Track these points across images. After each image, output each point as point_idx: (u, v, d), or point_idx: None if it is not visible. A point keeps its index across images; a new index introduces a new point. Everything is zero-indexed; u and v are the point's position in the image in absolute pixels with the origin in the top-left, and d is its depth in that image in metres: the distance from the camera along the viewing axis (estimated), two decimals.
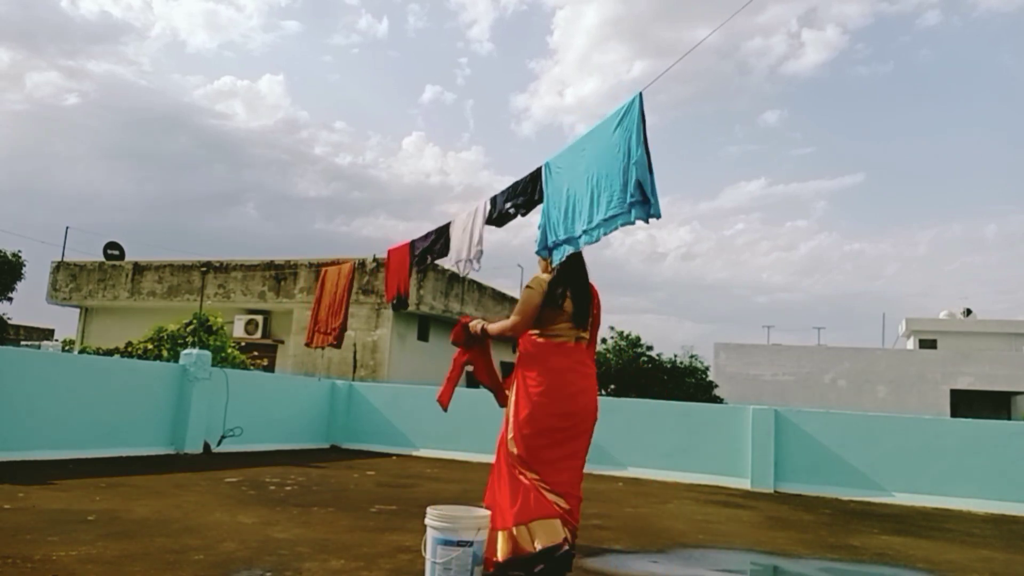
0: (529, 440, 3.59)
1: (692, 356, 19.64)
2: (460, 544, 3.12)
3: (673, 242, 74.38)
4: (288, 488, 6.39)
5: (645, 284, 71.25)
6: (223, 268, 18.73)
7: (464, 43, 70.64)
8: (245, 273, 18.53)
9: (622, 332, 20.45)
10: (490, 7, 67.06)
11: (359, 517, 5.19)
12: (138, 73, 62.12)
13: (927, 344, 31.91)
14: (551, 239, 4.24)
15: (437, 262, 5.68)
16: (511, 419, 3.72)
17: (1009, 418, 26.30)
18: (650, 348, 19.81)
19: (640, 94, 3.88)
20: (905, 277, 65.20)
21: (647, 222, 3.59)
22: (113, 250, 21.40)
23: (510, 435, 3.67)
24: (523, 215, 4.71)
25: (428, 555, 3.16)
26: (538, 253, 4.17)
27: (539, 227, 4.42)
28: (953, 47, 57.72)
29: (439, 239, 5.52)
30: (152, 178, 66.31)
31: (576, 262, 3.91)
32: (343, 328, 6.29)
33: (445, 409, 4.45)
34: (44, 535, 3.91)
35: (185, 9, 65.65)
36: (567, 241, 4.12)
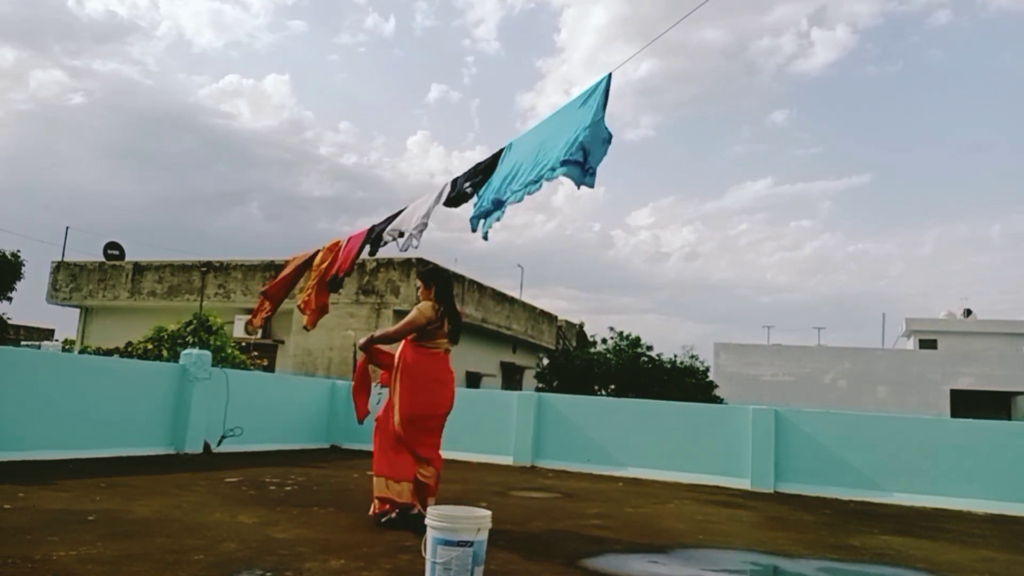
0: (409, 425, 4.81)
1: (692, 356, 19.63)
2: (460, 544, 3.12)
3: (677, 242, 74.33)
4: (288, 488, 6.39)
5: (647, 284, 71.27)
6: (223, 268, 18.73)
7: (471, 41, 70.67)
8: (245, 273, 18.53)
9: (622, 332, 20.45)
10: (497, 5, 67.10)
11: (359, 517, 5.19)
12: (144, 73, 62.22)
13: (927, 344, 31.91)
14: (481, 207, 4.28)
15: (386, 238, 5.55)
16: (396, 408, 4.85)
17: (1009, 418, 26.31)
18: (650, 348, 19.80)
19: (609, 75, 3.91)
20: (909, 277, 65.24)
21: (578, 187, 3.70)
22: (113, 250, 21.41)
23: (396, 419, 4.83)
24: (478, 194, 4.74)
25: (428, 555, 3.16)
26: (471, 220, 4.44)
27: (477, 197, 4.47)
28: (962, 47, 57.69)
29: (392, 219, 5.50)
30: (155, 178, 66.38)
31: (449, 291, 4.97)
32: (272, 311, 6.24)
33: (361, 422, 5.30)
34: (44, 535, 3.91)
35: (191, 8, 65.74)
36: (496, 206, 4.16)
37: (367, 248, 5.71)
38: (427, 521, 3.21)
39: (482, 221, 4.37)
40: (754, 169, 70.35)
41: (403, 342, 4.93)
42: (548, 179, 3.84)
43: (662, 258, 73.34)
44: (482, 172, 4.73)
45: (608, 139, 3.72)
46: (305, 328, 6.14)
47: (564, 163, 3.71)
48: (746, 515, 6.61)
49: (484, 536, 3.23)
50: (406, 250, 5.35)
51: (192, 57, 70.87)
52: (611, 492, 7.67)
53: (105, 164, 66.61)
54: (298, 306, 6.07)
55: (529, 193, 3.99)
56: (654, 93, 66.36)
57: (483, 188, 4.54)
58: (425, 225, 5.11)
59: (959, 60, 57.82)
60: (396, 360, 4.94)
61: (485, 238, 4.40)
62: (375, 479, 4.88)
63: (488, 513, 3.30)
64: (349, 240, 5.74)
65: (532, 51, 74.72)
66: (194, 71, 70.96)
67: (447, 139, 78.02)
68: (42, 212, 59.88)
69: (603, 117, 3.75)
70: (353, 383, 5.34)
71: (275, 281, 6.29)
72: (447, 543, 3.13)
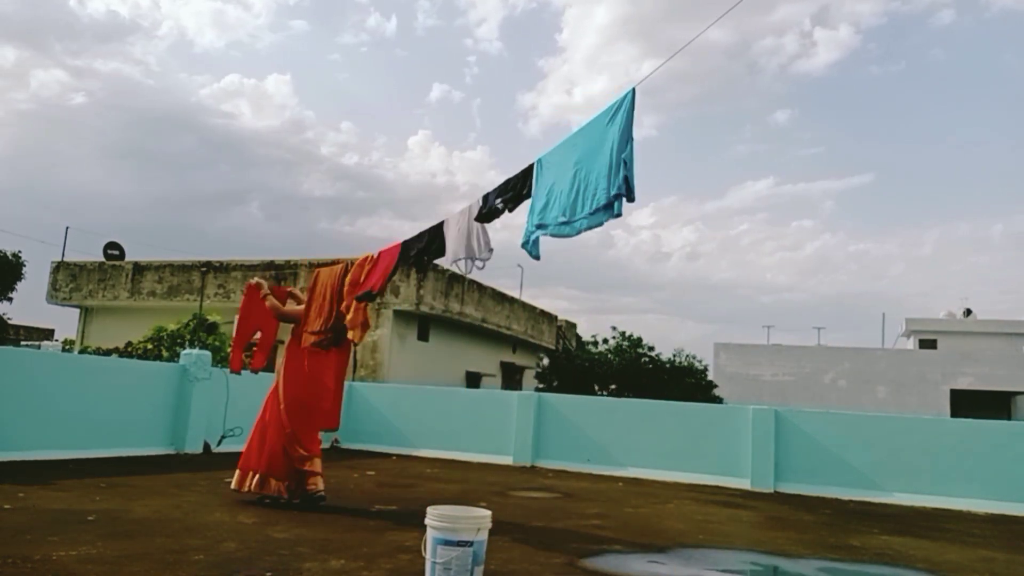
0: (295, 416, 5.52)
1: (689, 356, 19.68)
2: (460, 544, 3.12)
3: (678, 242, 74.26)
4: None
5: (649, 284, 71.18)
6: (223, 268, 18.73)
7: (473, 41, 70.56)
8: (245, 273, 18.51)
9: (623, 332, 20.46)
10: (499, 5, 67.01)
11: (359, 517, 5.20)
12: (145, 72, 62.16)
13: (927, 344, 31.90)
14: (530, 228, 4.32)
15: (436, 261, 5.58)
16: (281, 399, 5.59)
17: (1009, 418, 26.31)
18: (651, 348, 19.82)
19: (633, 90, 3.92)
20: (910, 277, 65.14)
21: (620, 215, 3.79)
22: (113, 250, 21.40)
23: (282, 406, 5.55)
24: (510, 211, 4.74)
25: (428, 555, 3.16)
26: (523, 246, 4.44)
27: (527, 221, 4.49)
28: (966, 47, 57.57)
29: (434, 239, 5.45)
30: (156, 178, 66.28)
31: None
32: (333, 328, 6.14)
33: (237, 371, 6.38)
34: (44, 535, 3.91)
35: (193, 8, 65.68)
36: (540, 227, 4.20)
37: (411, 266, 5.75)
38: (427, 521, 3.21)
39: (531, 242, 4.42)
40: (756, 169, 70.30)
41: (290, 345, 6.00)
42: (607, 220, 3.92)
43: (663, 258, 73.31)
44: (513, 189, 4.73)
45: (632, 157, 3.82)
46: (354, 343, 6.04)
47: (615, 199, 3.83)
48: (746, 515, 6.61)
49: (484, 536, 3.23)
50: (470, 272, 5.30)
51: (193, 57, 70.86)
52: (611, 492, 7.67)
53: (106, 164, 66.59)
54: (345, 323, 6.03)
55: (588, 228, 4.08)
56: (656, 93, 66.30)
57: (528, 215, 4.53)
58: (491, 251, 5.05)
59: (962, 60, 57.78)
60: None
61: (537, 258, 4.45)
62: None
63: (488, 513, 3.30)
64: (380, 255, 5.66)
65: (534, 51, 74.66)
66: (195, 71, 70.93)
67: (448, 139, 77.99)
68: (42, 212, 59.84)
69: (632, 138, 3.83)
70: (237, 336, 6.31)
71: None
72: (447, 543, 3.13)
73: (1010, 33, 55.07)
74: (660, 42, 62.58)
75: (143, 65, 62.28)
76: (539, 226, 4.33)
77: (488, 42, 70.54)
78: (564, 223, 4.14)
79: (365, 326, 5.77)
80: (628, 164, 3.80)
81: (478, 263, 5.11)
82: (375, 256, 5.71)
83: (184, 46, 68.67)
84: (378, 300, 17.12)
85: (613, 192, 3.81)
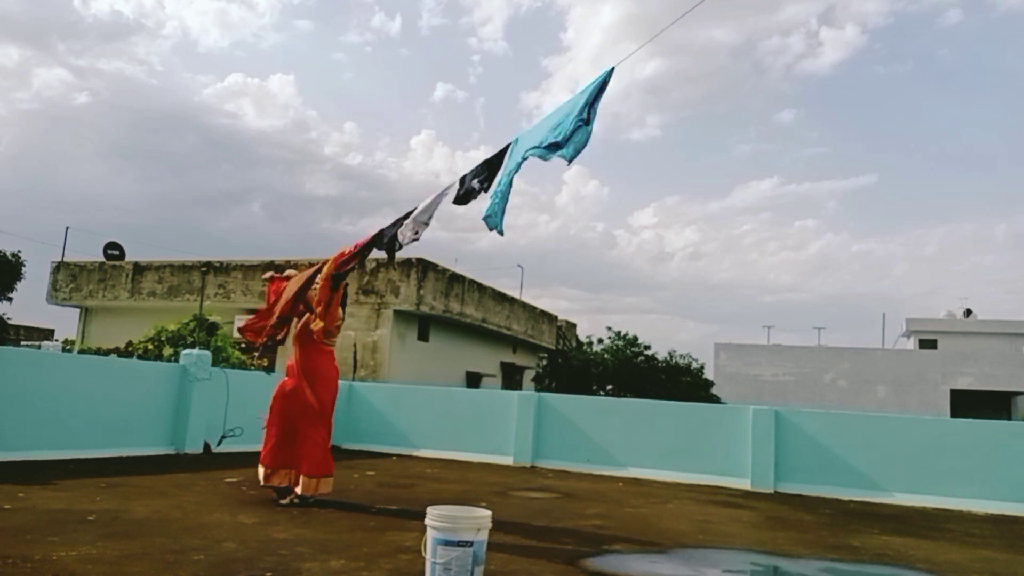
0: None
1: (685, 355, 19.73)
2: (460, 544, 3.12)
3: (680, 242, 74.17)
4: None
5: (650, 284, 71.10)
6: (223, 268, 18.73)
7: (477, 40, 70.45)
8: (245, 273, 18.53)
9: (619, 332, 20.47)
10: (504, 4, 66.92)
11: (359, 517, 5.20)
12: (149, 72, 62.10)
13: (927, 344, 31.91)
14: (491, 208, 4.40)
15: (400, 239, 5.47)
16: (330, 401, 5.92)
17: (1009, 418, 26.30)
18: (647, 348, 19.84)
19: (612, 68, 4.00)
20: (913, 277, 65.05)
21: (565, 161, 3.94)
22: (113, 250, 21.40)
23: (321, 397, 5.81)
24: (486, 191, 4.76)
25: (428, 555, 3.16)
26: (484, 219, 4.53)
27: (491, 194, 4.56)
28: (972, 47, 57.43)
29: (401, 222, 5.46)
30: (158, 177, 66.23)
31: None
32: (274, 335, 6.01)
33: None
34: (44, 535, 3.91)
35: (197, 7, 65.62)
36: (501, 198, 4.32)
37: (381, 251, 5.60)
38: (427, 521, 3.21)
39: (492, 217, 4.45)
40: (760, 169, 70.16)
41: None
42: (534, 155, 4.07)
43: (666, 258, 73.22)
44: (490, 167, 4.76)
45: (584, 121, 3.87)
46: (329, 342, 5.91)
47: (549, 146, 3.91)
48: (746, 515, 6.61)
49: (484, 536, 3.23)
50: (402, 247, 5.31)
51: (197, 56, 70.75)
52: (611, 492, 7.67)
53: (108, 164, 66.54)
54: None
55: (515, 171, 4.21)
56: (661, 93, 66.24)
57: (491, 186, 4.61)
58: (426, 224, 5.09)
59: (969, 60, 57.65)
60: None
61: (501, 233, 4.49)
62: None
63: (488, 513, 3.30)
64: (356, 246, 5.65)
65: (539, 50, 74.50)
66: (199, 71, 70.85)
67: (451, 139, 77.92)
68: (43, 212, 59.85)
69: (589, 103, 3.90)
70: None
71: (284, 303, 5.96)
72: (447, 543, 3.13)
73: (1016, 33, 54.95)
74: (665, 41, 62.61)
75: (147, 65, 62.27)
76: (497, 194, 4.43)
77: (493, 41, 70.50)
78: (507, 173, 4.29)
79: (331, 321, 5.83)
80: (577, 115, 3.94)
81: (414, 235, 5.18)
82: (351, 248, 5.72)
83: (188, 46, 68.65)
84: (378, 300, 17.14)
85: (553, 139, 3.96)
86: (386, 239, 5.48)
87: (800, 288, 69.46)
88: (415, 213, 5.20)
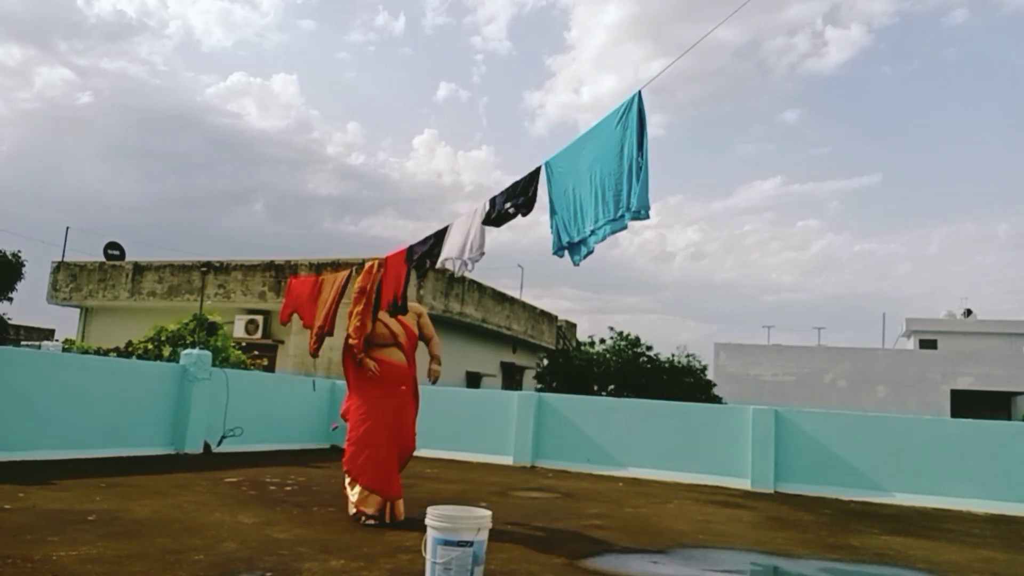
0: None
1: (688, 355, 19.70)
2: (460, 544, 3.13)
3: (682, 242, 74.12)
4: (288, 488, 6.39)
5: (652, 284, 71.06)
6: (223, 268, 18.73)
7: (481, 39, 70.37)
8: (245, 273, 18.52)
9: (621, 332, 20.47)
10: (508, 3, 66.87)
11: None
12: (151, 72, 62.07)
13: (927, 344, 31.91)
14: (565, 239, 4.37)
15: (441, 264, 5.49)
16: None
17: (1009, 418, 26.30)
18: (650, 348, 19.83)
19: (639, 92, 3.93)
20: (915, 277, 64.98)
21: (640, 219, 3.84)
22: (113, 250, 21.40)
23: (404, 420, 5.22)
24: (524, 215, 4.72)
25: (428, 555, 3.16)
26: (555, 254, 4.43)
27: (551, 229, 4.52)
28: (978, 46, 57.29)
29: (438, 243, 5.39)
30: (160, 177, 66.16)
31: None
32: (323, 335, 6.06)
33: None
34: (44, 535, 3.91)
35: (200, 7, 65.60)
36: (582, 242, 4.24)
37: (413, 269, 5.54)
38: (427, 521, 3.21)
39: (566, 252, 4.44)
40: (764, 168, 70.05)
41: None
42: (624, 226, 4.01)
43: (667, 258, 73.16)
44: (523, 193, 4.71)
45: (647, 164, 3.88)
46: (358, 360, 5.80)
47: (631, 210, 3.88)
48: (746, 515, 6.61)
49: (484, 536, 3.23)
50: (460, 273, 5.26)
51: (200, 56, 70.67)
52: (611, 492, 7.67)
53: (110, 163, 66.47)
54: (347, 335, 5.77)
55: (611, 234, 4.15)
56: (664, 92, 66.24)
57: (550, 219, 4.53)
58: (482, 254, 4.98)
59: (974, 59, 57.53)
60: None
61: (576, 264, 4.43)
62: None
63: (488, 513, 3.30)
64: (388, 260, 5.52)
65: (542, 49, 74.38)
66: (202, 70, 70.81)
67: (454, 138, 77.80)
68: (43, 212, 59.80)
69: (644, 146, 3.89)
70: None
71: (326, 312, 6.00)
72: (447, 543, 3.13)
73: (1022, 32, 54.82)
74: (669, 41, 62.56)
75: (149, 65, 62.25)
76: (581, 242, 4.35)
77: (496, 40, 70.44)
78: (592, 231, 4.20)
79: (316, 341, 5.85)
80: (643, 174, 3.85)
81: (468, 265, 5.05)
82: (382, 262, 5.53)
83: (191, 45, 68.64)
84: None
85: (635, 207, 3.87)
86: (416, 256, 5.40)
87: (801, 288, 69.48)
88: (467, 252, 5.02)
